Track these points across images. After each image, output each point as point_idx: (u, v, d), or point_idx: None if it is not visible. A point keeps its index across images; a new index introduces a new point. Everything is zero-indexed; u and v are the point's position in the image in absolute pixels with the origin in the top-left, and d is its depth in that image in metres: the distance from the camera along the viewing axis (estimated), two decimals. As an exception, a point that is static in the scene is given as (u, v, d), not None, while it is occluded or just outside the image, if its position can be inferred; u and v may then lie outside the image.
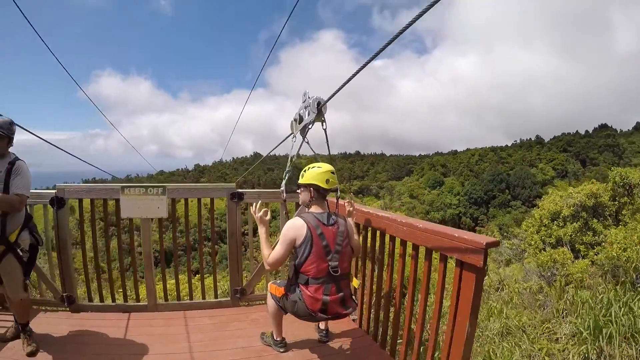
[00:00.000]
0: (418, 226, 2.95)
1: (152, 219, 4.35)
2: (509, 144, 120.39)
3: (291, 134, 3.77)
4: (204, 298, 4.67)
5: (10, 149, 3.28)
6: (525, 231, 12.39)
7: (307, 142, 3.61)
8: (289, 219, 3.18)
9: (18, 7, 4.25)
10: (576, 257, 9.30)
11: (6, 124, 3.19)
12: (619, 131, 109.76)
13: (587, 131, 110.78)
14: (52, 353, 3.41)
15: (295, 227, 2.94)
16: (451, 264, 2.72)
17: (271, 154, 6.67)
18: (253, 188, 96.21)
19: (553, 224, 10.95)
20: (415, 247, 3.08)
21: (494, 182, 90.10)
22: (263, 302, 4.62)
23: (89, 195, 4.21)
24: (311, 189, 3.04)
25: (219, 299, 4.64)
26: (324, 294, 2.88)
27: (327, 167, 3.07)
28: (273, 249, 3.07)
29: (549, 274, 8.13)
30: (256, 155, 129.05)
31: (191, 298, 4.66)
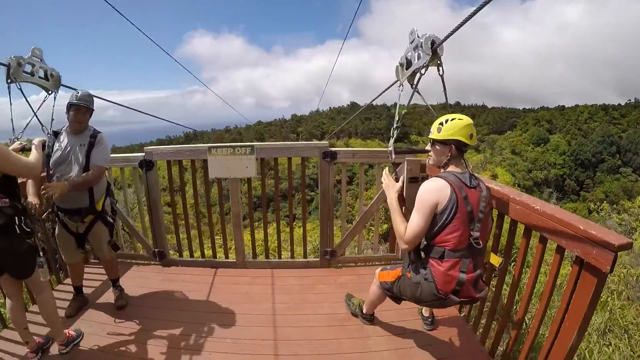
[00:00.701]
0: (535, 207, 2.32)
1: (241, 179, 4.19)
2: (622, 103, 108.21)
3: (396, 81, 3.08)
4: (292, 256, 4.50)
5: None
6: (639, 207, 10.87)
7: (418, 92, 2.93)
8: (398, 183, 2.73)
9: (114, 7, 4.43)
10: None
11: (89, 96, 3.25)
12: None
13: None
14: (140, 306, 3.62)
15: (436, 189, 2.32)
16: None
17: (368, 103, 6.28)
18: (350, 137, 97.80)
19: (673, 202, 9.41)
20: (528, 231, 2.49)
21: (603, 144, 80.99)
22: (352, 264, 4.40)
23: (176, 157, 4.24)
24: (452, 145, 2.40)
25: (307, 259, 4.43)
26: (461, 271, 2.32)
27: (467, 118, 2.43)
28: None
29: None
30: (353, 105, 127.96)
31: (279, 256, 4.52)
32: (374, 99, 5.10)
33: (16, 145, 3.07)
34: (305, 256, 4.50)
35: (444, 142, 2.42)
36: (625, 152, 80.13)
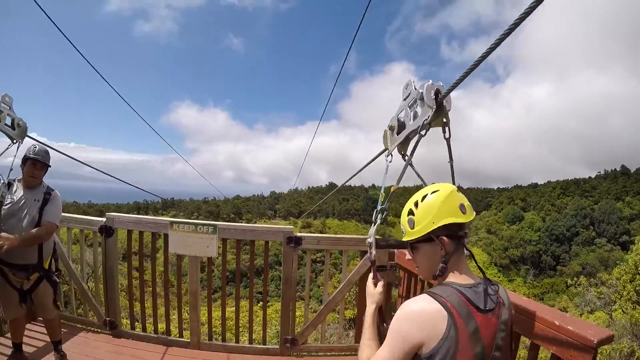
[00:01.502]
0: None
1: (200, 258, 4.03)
2: (592, 176, 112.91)
3: (384, 150, 2.34)
4: (250, 341, 4.21)
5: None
6: (617, 279, 10.84)
7: (411, 164, 2.04)
8: (376, 288, 1.85)
9: (100, 74, 4.71)
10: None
11: (45, 152, 3.27)
12: None
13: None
14: None
15: (423, 319, 1.43)
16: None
17: (346, 184, 6.07)
18: (327, 217, 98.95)
19: (651, 272, 9.43)
20: None
21: (577, 217, 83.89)
22: (314, 354, 4.14)
23: (137, 227, 4.08)
24: (443, 238, 1.56)
25: (267, 345, 4.17)
26: None
27: (445, 186, 1.64)
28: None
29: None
30: (331, 185, 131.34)
31: (237, 339, 4.23)
32: (355, 175, 4.62)
33: None
34: (264, 342, 4.24)
35: (427, 239, 1.59)
36: (599, 223, 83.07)
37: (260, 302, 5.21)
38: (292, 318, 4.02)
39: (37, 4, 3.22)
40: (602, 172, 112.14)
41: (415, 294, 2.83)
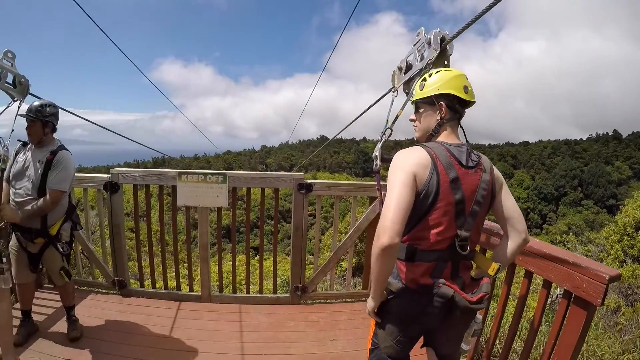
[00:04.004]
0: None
1: (210, 208, 3.99)
2: (584, 138, 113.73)
3: (392, 88, 2.68)
4: (261, 291, 4.28)
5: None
6: (606, 238, 11.10)
7: (412, 100, 2.09)
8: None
9: (86, 13, 4.23)
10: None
11: (35, 107, 3.05)
12: None
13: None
14: (95, 339, 3.34)
15: (414, 158, 1.70)
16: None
17: (337, 137, 6.06)
18: (318, 170, 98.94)
19: (638, 233, 9.68)
20: (512, 266, 2.44)
21: (566, 177, 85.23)
22: (324, 301, 4.22)
23: (143, 181, 3.97)
24: (442, 104, 1.81)
25: (277, 295, 4.24)
26: (432, 277, 1.73)
27: (459, 71, 1.87)
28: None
29: (629, 292, 7.06)
30: (322, 138, 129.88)
31: (247, 290, 4.30)
32: (357, 118, 4.59)
33: None
34: (274, 291, 4.30)
35: (430, 101, 1.84)
36: (587, 185, 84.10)
37: (268, 253, 5.23)
38: (302, 267, 4.08)
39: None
40: (594, 135, 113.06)
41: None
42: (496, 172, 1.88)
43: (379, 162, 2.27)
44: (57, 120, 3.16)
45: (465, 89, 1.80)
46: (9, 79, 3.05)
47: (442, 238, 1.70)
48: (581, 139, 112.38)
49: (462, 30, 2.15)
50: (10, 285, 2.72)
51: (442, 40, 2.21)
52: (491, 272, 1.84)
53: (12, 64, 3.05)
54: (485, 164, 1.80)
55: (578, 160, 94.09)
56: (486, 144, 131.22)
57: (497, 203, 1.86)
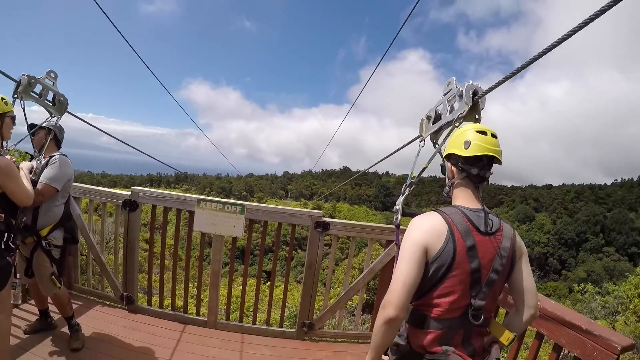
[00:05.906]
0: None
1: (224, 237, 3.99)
2: (608, 183, 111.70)
3: (418, 136, 2.64)
4: (268, 322, 4.21)
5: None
6: (625, 292, 10.75)
7: (440, 152, 2.13)
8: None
9: (120, 33, 4.68)
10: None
11: (40, 125, 3.20)
12: None
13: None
14: (96, 353, 3.34)
15: (427, 228, 1.66)
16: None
17: (359, 170, 6.01)
18: (338, 201, 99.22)
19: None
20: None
21: (588, 223, 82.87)
22: (330, 339, 4.15)
23: (162, 203, 4.02)
24: (448, 163, 1.85)
25: (283, 329, 4.17)
26: (442, 344, 1.67)
27: (472, 125, 1.82)
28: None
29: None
30: (345, 169, 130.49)
31: (254, 319, 4.25)
32: (384, 159, 4.56)
33: (26, 164, 3.06)
34: (281, 324, 4.24)
35: (444, 161, 1.89)
36: (609, 232, 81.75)
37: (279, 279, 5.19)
38: (312, 303, 4.02)
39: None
40: (619, 180, 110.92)
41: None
42: (518, 240, 1.79)
43: (399, 215, 2.27)
44: (60, 133, 3.33)
45: (466, 144, 1.72)
46: (50, 96, 3.18)
47: (455, 307, 1.65)
48: (605, 184, 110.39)
49: (497, 85, 2.06)
50: (19, 303, 2.75)
51: (475, 93, 2.12)
52: (505, 341, 1.74)
53: (53, 83, 3.19)
54: (505, 230, 1.73)
55: (601, 205, 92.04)
56: (509, 185, 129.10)
57: (514, 273, 1.77)
